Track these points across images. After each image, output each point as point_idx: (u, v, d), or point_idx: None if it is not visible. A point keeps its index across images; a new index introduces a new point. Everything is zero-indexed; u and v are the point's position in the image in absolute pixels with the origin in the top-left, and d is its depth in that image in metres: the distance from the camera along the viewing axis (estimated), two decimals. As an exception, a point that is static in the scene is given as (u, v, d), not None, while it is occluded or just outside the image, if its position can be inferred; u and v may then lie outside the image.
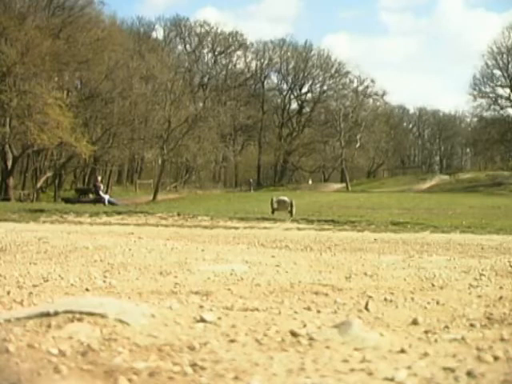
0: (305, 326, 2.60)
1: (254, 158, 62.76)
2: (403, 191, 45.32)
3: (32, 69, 32.79)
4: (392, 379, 1.91)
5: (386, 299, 3.41)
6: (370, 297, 3.48)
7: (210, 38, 64.27)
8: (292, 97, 67.05)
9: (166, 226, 12.55)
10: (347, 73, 63.99)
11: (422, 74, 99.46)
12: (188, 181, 57.65)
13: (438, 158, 79.54)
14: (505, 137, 56.04)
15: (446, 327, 2.65)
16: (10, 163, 36.06)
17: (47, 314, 2.54)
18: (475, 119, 62.26)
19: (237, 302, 3.19)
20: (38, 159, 43.64)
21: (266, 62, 64.62)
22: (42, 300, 3.15)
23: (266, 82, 65.71)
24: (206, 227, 12.00)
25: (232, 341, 2.35)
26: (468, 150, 75.60)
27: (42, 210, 15.55)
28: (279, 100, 67.11)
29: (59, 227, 11.18)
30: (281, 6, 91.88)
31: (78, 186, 42.53)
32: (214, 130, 46.47)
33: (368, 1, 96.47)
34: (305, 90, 65.99)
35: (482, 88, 56.65)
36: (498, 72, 56.30)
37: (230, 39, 64.08)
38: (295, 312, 2.97)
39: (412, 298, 3.42)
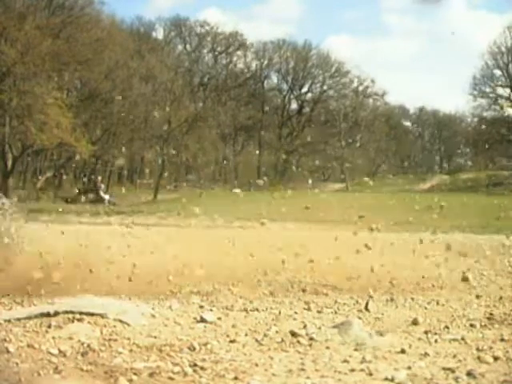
0: (305, 326, 2.60)
1: (254, 157, 62.70)
2: (403, 191, 45.26)
3: (32, 69, 32.75)
4: (392, 380, 1.91)
5: (386, 299, 3.41)
6: (371, 297, 3.48)
7: (210, 38, 64.18)
8: (292, 97, 66.91)
9: (167, 225, 12.56)
10: (347, 72, 63.88)
11: (422, 74, 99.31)
12: (188, 181, 57.59)
13: (438, 158, 79.46)
14: (505, 137, 56.00)
15: (446, 327, 2.65)
16: (9, 163, 36.02)
17: (47, 315, 2.54)
18: (475, 119, 62.16)
19: (237, 302, 3.19)
20: (37, 159, 43.60)
21: (265, 62, 64.53)
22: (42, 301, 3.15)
23: (265, 82, 65.62)
24: (206, 227, 11.99)
25: (232, 341, 2.35)
26: (468, 150, 75.52)
27: (41, 210, 15.55)
28: (279, 100, 67.00)
29: (59, 227, 11.16)
30: (284, 7, 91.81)
31: (78, 186, 42.47)
32: (214, 129, 46.43)
33: (370, 2, 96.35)
34: (305, 89, 65.82)
35: (482, 88, 56.54)
36: (498, 72, 56.18)
37: (230, 39, 63.99)
38: (295, 312, 2.96)
39: (412, 298, 3.42)
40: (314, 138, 61.50)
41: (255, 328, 2.57)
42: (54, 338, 2.29)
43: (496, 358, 2.11)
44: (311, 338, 2.39)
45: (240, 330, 2.54)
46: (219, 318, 2.75)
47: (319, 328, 2.57)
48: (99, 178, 31.64)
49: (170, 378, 1.91)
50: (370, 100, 67.65)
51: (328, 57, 63.92)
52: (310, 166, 63.77)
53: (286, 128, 65.59)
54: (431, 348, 2.29)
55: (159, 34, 61.89)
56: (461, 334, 2.50)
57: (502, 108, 54.70)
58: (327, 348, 2.24)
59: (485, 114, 56.84)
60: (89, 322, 2.48)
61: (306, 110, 67.09)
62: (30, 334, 2.35)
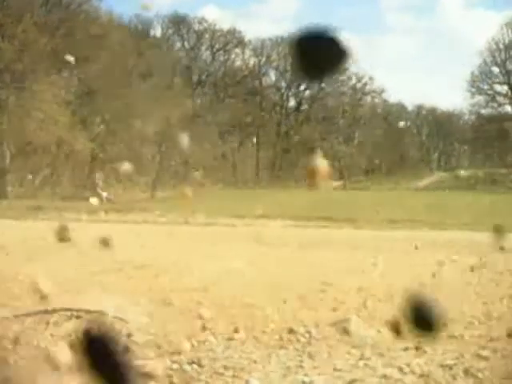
0: (303, 323, 2.60)
1: (252, 155, 62.65)
2: (401, 189, 45.32)
3: (29, 66, 32.65)
4: (390, 377, 1.91)
5: (384, 297, 3.41)
6: (370, 294, 3.49)
7: (208, 35, 64.10)
8: (290, 94, 66.89)
9: (165, 223, 12.54)
10: (345, 70, 63.87)
11: (421, 71, 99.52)
12: (186, 178, 57.50)
13: (436, 156, 79.55)
14: (502, 134, 56.02)
15: (445, 325, 2.65)
16: (7, 161, 35.94)
17: (45, 312, 2.54)
18: (473, 116, 62.19)
19: (235, 299, 3.19)
20: (35, 157, 43.48)
21: (263, 59, 64.48)
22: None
23: (264, 80, 65.57)
24: (204, 225, 11.99)
25: (230, 338, 2.35)
26: (466, 147, 75.62)
27: (39, 208, 15.52)
28: (277, 97, 66.97)
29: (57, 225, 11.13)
30: (282, 5, 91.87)
31: (75, 184, 42.38)
32: (212, 127, 46.39)
33: (370, 0, 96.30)
34: (303, 87, 65.90)
35: (480, 85, 56.53)
36: (495, 69, 56.18)
37: (228, 36, 63.91)
38: (294, 309, 2.96)
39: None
40: (312, 136, 61.52)
41: (253, 325, 2.57)
42: (52, 335, 2.29)
43: (494, 355, 2.11)
44: (310, 335, 2.39)
45: (238, 326, 2.54)
46: (218, 315, 2.75)
47: (318, 325, 2.58)
48: (97, 175, 31.52)
49: (169, 375, 1.91)
50: (369, 97, 67.69)
51: (326, 54, 63.91)
52: (307, 164, 63.68)
53: (284, 125, 65.58)
54: (429, 345, 2.29)
55: (157, 31, 61.81)
56: (459, 331, 2.50)
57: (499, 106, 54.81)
58: (326, 345, 2.25)
59: (483, 111, 56.84)
60: (87, 320, 2.47)
61: (305, 107, 67.09)
62: (28, 331, 2.35)
